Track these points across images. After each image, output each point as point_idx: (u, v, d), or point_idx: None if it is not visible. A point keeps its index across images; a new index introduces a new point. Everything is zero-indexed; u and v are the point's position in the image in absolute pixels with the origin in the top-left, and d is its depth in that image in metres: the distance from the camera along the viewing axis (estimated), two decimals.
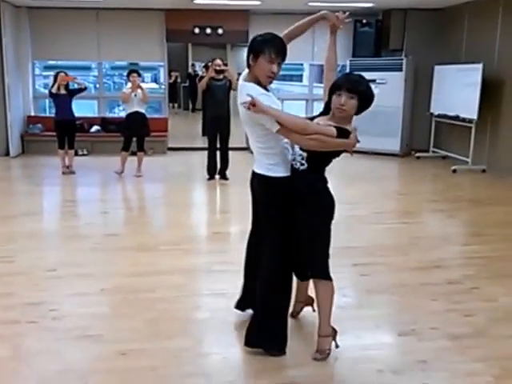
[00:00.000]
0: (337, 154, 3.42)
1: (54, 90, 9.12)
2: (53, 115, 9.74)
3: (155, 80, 12.93)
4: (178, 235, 6.32)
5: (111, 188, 8.93)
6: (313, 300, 3.83)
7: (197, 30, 12.12)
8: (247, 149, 12.28)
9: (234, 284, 4.18)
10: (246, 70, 3.46)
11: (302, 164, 3.37)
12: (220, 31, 12.19)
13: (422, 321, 4.00)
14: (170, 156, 11.78)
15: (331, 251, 3.50)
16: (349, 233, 6.17)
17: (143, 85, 9.62)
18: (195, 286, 4.69)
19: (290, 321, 3.62)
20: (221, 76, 8.92)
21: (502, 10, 9.68)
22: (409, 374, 3.31)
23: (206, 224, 7.08)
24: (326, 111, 3.48)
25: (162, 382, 3.20)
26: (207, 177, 9.19)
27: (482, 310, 4.16)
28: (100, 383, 3.20)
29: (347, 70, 12.13)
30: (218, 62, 8.99)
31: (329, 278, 3.43)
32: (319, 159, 3.39)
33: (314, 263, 3.44)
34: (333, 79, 3.50)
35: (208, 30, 12.15)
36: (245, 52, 3.57)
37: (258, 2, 11.11)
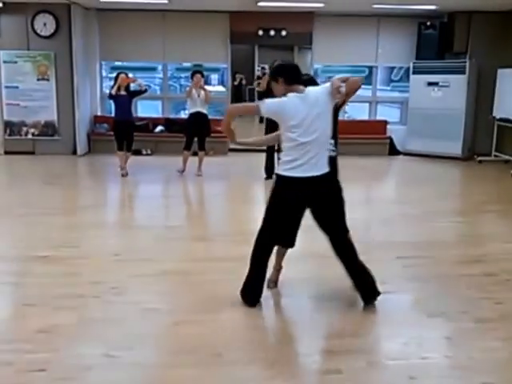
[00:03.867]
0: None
1: (113, 92, 9.57)
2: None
3: (221, 82, 13.48)
4: (232, 228, 7.00)
5: (172, 185, 9.66)
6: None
7: (260, 32, 12.65)
8: None
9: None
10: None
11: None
12: (284, 33, 12.65)
13: (452, 305, 4.46)
14: (230, 157, 12.33)
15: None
16: (399, 229, 6.66)
17: (208, 87, 10.08)
18: (243, 271, 5.21)
19: None
20: None
21: None
22: (432, 347, 3.77)
23: (258, 219, 7.61)
24: None
25: (206, 345, 3.77)
26: (265, 176, 9.72)
27: (511, 300, 4.55)
28: (154, 345, 3.83)
29: (410, 72, 12.52)
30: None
31: None
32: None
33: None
34: None
35: (272, 32, 12.65)
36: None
37: (322, 4, 11.53)
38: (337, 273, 5.04)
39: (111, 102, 10.21)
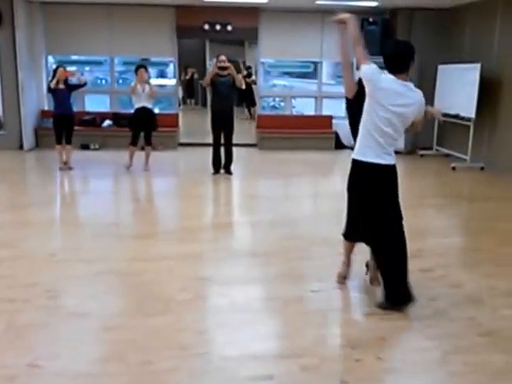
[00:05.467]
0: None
1: (52, 85, 9.23)
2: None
3: (166, 76, 13.26)
4: (176, 225, 6.79)
5: (118, 181, 9.36)
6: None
7: (206, 27, 12.45)
8: (251, 145, 12.68)
9: (219, 270, 4.72)
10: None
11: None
12: (229, 28, 12.49)
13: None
14: (180, 151, 12.16)
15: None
16: (335, 224, 6.50)
17: (154, 81, 9.85)
18: (183, 271, 5.03)
19: None
20: (225, 72, 9.23)
21: (501, 11, 9.92)
22: (365, 349, 3.65)
23: (204, 215, 7.46)
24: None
25: (138, 352, 3.54)
26: (212, 171, 9.56)
27: (445, 295, 4.49)
28: (82, 352, 3.55)
29: (354, 68, 12.45)
30: (223, 58, 9.27)
31: None
32: None
33: None
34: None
35: (217, 27, 12.47)
36: None
37: (266, 0, 11.42)
38: (269, 273, 4.95)
39: (50, 95, 9.90)
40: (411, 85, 4.06)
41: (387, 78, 3.98)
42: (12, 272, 4.91)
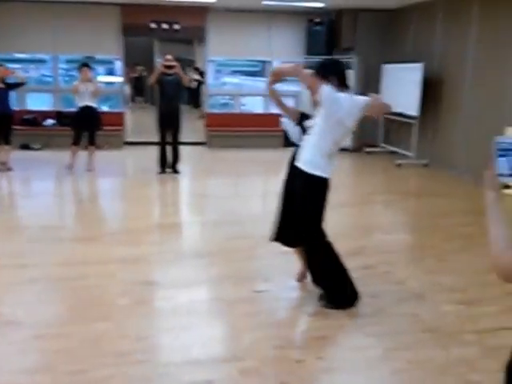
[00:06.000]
0: None
1: None
2: None
3: (114, 74, 12.99)
4: (120, 227, 6.54)
5: (60, 182, 8.98)
6: None
7: (153, 25, 12.22)
8: (200, 143, 12.53)
9: (163, 273, 4.57)
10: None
11: None
12: (177, 26, 12.30)
13: None
14: (126, 150, 11.86)
15: None
16: None
17: (101, 78, 9.58)
18: (126, 275, 4.81)
19: None
20: (171, 71, 9.07)
21: (442, 13, 10.03)
22: (306, 349, 3.56)
23: (149, 216, 7.23)
24: None
25: (72, 361, 3.34)
26: (159, 171, 9.36)
27: (388, 292, 4.44)
28: (8, 363, 3.31)
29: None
30: (169, 57, 9.16)
31: None
32: None
33: None
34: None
35: (164, 26, 12.26)
36: None
37: (213, 0, 11.28)
38: (214, 274, 4.82)
39: None
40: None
41: (342, 95, 3.94)
42: None
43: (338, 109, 3.88)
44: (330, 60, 4.30)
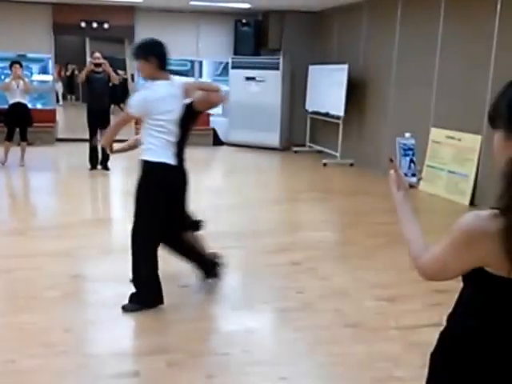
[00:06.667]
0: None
1: None
2: None
3: (48, 72, 12.74)
4: (50, 221, 6.46)
5: None
6: None
7: (83, 24, 12.07)
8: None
9: (93, 266, 4.56)
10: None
11: None
12: (106, 26, 12.17)
13: (256, 297, 4.30)
14: (58, 147, 11.70)
15: None
16: (216, 219, 6.38)
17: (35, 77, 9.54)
18: (54, 268, 4.73)
19: None
20: (100, 69, 8.97)
21: (366, 15, 10.27)
22: (233, 342, 3.57)
23: (78, 211, 7.07)
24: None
25: (2, 351, 3.31)
26: (89, 167, 9.21)
27: (313, 288, 4.50)
28: None
29: (229, 67, 12.47)
30: (97, 55, 9.18)
31: None
32: None
33: None
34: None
35: (94, 25, 12.12)
36: None
37: (140, 0, 11.19)
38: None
39: None
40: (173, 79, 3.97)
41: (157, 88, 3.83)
42: None
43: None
44: (150, 40, 4.00)
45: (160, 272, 3.92)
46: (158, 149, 3.77)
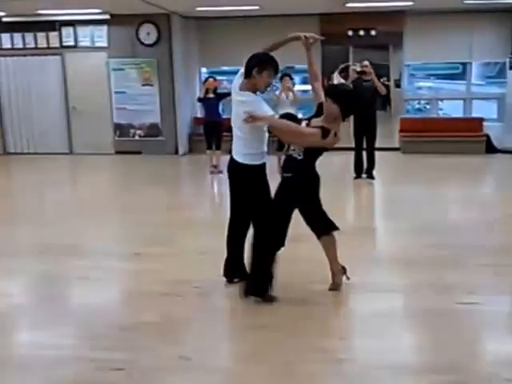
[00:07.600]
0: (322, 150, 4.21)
1: (201, 95, 10.01)
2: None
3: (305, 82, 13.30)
4: None
5: None
6: None
7: (350, 33, 12.28)
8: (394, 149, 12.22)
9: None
10: (242, 79, 4.25)
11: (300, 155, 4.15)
12: (373, 33, 12.24)
13: None
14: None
15: None
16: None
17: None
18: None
19: None
20: (369, 77, 9.04)
21: None
22: None
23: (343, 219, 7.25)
24: (318, 114, 4.23)
25: None
26: (354, 176, 9.42)
27: None
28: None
29: (507, 68, 11.68)
30: (366, 63, 9.20)
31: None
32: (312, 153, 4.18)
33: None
34: (318, 88, 4.37)
35: (361, 32, 12.28)
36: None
37: (411, 3, 10.96)
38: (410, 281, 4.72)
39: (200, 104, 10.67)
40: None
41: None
42: (164, 267, 5.13)
43: None
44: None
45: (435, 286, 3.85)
46: None
